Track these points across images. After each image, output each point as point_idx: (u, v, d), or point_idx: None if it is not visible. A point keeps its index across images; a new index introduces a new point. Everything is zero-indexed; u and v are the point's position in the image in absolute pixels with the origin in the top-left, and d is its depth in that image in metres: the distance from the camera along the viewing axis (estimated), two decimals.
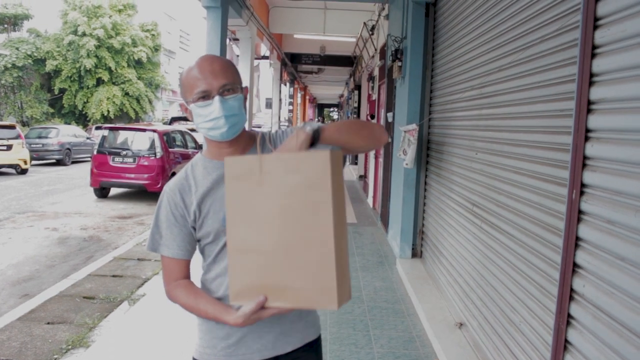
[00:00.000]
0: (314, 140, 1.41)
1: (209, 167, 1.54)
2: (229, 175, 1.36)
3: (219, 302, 1.49)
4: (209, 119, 1.45)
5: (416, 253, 5.60)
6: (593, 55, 1.88)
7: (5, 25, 28.72)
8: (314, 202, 1.29)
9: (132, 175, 10.38)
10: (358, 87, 15.79)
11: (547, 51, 2.48)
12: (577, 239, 1.96)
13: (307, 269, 1.30)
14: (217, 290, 1.55)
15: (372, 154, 9.92)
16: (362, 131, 1.54)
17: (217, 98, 1.42)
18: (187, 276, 1.58)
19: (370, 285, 4.95)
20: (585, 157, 1.91)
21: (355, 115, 16.56)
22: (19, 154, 14.33)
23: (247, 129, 1.59)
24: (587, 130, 1.90)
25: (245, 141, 1.57)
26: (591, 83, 1.88)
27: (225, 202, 1.36)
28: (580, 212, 1.94)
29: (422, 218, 5.53)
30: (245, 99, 1.54)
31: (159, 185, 10.26)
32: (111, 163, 10.42)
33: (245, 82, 8.69)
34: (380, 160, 8.35)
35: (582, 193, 1.94)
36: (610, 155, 1.78)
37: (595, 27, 1.87)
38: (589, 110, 1.89)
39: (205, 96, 1.43)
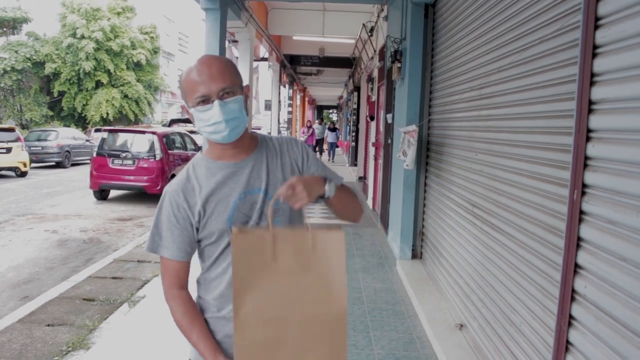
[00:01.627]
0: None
1: (212, 168, 1.54)
2: (237, 248, 1.34)
3: (211, 340, 1.51)
4: (209, 124, 1.44)
5: (416, 254, 5.60)
6: (594, 55, 1.87)
7: (4, 29, 28.70)
8: (329, 279, 1.33)
9: (132, 178, 10.37)
10: (357, 89, 15.80)
11: (547, 52, 2.48)
12: (579, 239, 1.95)
13: (319, 345, 1.33)
14: (216, 288, 1.55)
15: (371, 155, 9.92)
16: (353, 204, 1.65)
17: (216, 102, 1.42)
18: (186, 280, 1.58)
19: (370, 287, 4.94)
20: (586, 158, 1.91)
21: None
22: (19, 156, 14.31)
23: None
24: (589, 131, 1.90)
25: (248, 141, 1.58)
26: (592, 83, 1.88)
27: (232, 274, 1.35)
28: (581, 212, 1.94)
29: (422, 219, 5.53)
30: (246, 98, 1.54)
31: (158, 187, 10.25)
32: (111, 165, 10.41)
33: (245, 83, 8.71)
34: (380, 161, 8.34)
35: (583, 193, 1.93)
36: (612, 155, 1.78)
37: (596, 27, 1.87)
38: (590, 111, 1.89)
39: (205, 100, 1.43)
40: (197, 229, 1.53)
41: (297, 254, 1.34)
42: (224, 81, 1.44)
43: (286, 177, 1.55)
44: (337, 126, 25.19)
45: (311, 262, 1.33)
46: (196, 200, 1.51)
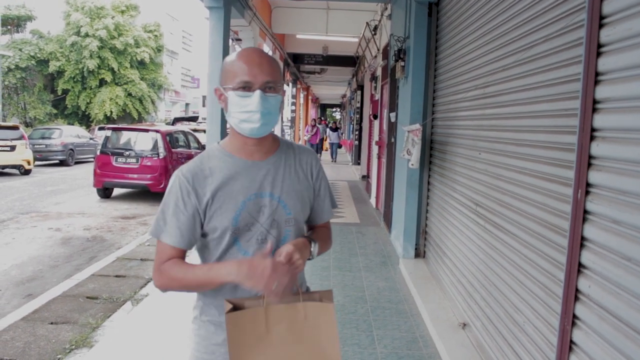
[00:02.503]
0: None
1: (227, 162, 1.52)
2: (233, 327, 1.37)
3: (214, 263, 1.50)
4: (244, 110, 1.43)
5: (419, 253, 5.59)
6: (598, 54, 1.86)
7: (9, 27, 28.82)
8: (322, 348, 1.38)
9: (135, 176, 10.39)
10: (361, 87, 15.79)
11: (551, 50, 2.47)
12: (583, 238, 1.95)
13: None
14: (218, 291, 1.50)
15: (375, 154, 9.91)
16: (328, 247, 1.71)
17: (258, 92, 1.42)
18: None
19: (373, 286, 4.94)
20: (590, 157, 1.90)
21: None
22: (23, 154, 14.36)
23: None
24: (593, 130, 1.89)
25: (270, 143, 1.57)
26: (596, 82, 1.87)
27: (228, 350, 1.37)
28: (585, 211, 1.93)
29: (425, 218, 5.52)
30: (282, 102, 1.53)
31: (162, 186, 10.26)
32: (114, 163, 10.43)
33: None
34: (383, 160, 8.33)
35: (587, 193, 1.92)
36: (616, 154, 1.77)
37: (601, 26, 1.86)
38: (594, 110, 1.88)
39: (247, 87, 1.42)
40: (202, 221, 1.49)
41: (290, 325, 1.38)
42: (272, 75, 1.44)
43: (300, 188, 1.57)
44: (338, 125, 25.09)
45: (304, 332, 1.38)
46: (205, 191, 1.47)
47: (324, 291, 1.47)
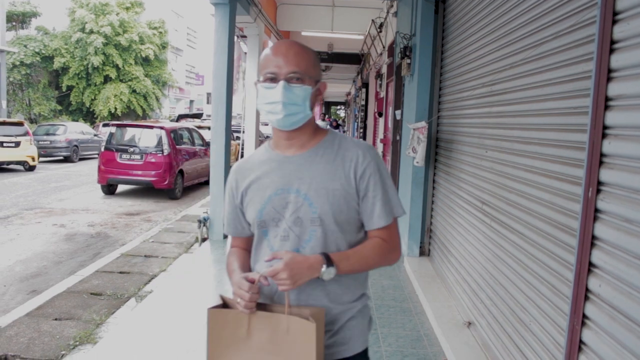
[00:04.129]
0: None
1: (266, 156, 1.56)
2: (213, 323, 1.44)
3: (241, 268, 1.53)
4: (268, 102, 1.43)
5: (424, 251, 5.57)
6: (612, 51, 1.83)
7: (14, 23, 28.83)
8: None
9: (140, 172, 10.40)
10: (366, 85, 15.75)
11: (560, 47, 2.44)
12: (593, 237, 1.92)
13: None
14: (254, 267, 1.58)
15: (379, 151, 9.88)
16: (376, 264, 1.51)
17: (281, 83, 1.41)
18: (247, 246, 1.64)
19: (377, 284, 4.92)
20: (602, 154, 1.87)
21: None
22: (27, 150, 14.40)
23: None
24: (605, 127, 1.86)
25: (308, 137, 1.52)
26: (609, 79, 1.84)
27: (207, 346, 1.43)
28: (596, 210, 1.90)
29: (430, 216, 5.49)
30: (318, 94, 1.50)
31: (166, 182, 10.28)
32: (118, 160, 10.44)
33: (252, 79, 8.58)
34: (388, 158, 8.31)
35: (598, 191, 1.90)
36: (629, 152, 1.74)
37: (614, 22, 1.83)
38: (606, 107, 1.86)
39: (273, 79, 1.42)
40: (243, 213, 1.58)
41: (271, 335, 1.38)
42: (298, 66, 1.42)
43: (333, 187, 1.45)
44: (340, 123, 24.90)
45: (283, 345, 1.37)
46: (242, 184, 1.55)
47: (316, 309, 1.39)
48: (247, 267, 1.56)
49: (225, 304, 1.46)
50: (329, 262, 1.39)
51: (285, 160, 1.51)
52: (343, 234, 1.47)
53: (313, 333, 1.32)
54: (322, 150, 1.50)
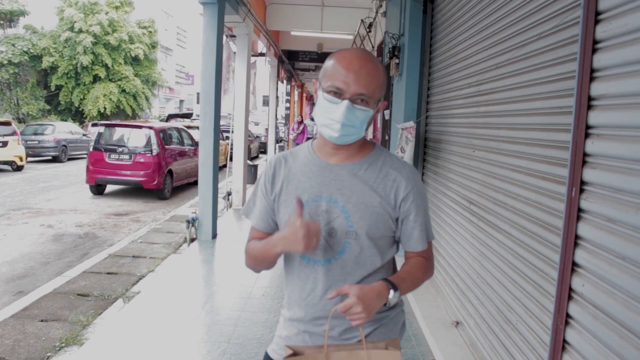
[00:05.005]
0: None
1: (308, 158, 1.51)
2: None
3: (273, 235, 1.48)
4: (328, 116, 1.38)
5: None
6: (594, 51, 1.84)
7: (1, 22, 28.53)
8: None
9: (128, 172, 10.32)
10: None
11: (545, 48, 2.46)
12: (577, 237, 1.93)
13: None
14: (287, 286, 1.57)
15: None
16: (422, 282, 1.58)
17: (346, 102, 1.34)
18: None
19: None
20: (585, 154, 1.88)
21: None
22: (15, 150, 14.25)
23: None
24: (587, 127, 1.87)
25: (354, 150, 1.49)
26: (592, 79, 1.85)
27: None
28: (579, 210, 1.91)
29: None
30: (377, 112, 1.45)
31: (155, 183, 10.22)
32: (107, 160, 10.36)
33: (242, 80, 8.47)
34: None
35: (581, 191, 1.90)
36: (611, 152, 1.75)
37: (597, 22, 1.83)
38: (589, 107, 1.86)
39: (338, 94, 1.36)
40: (275, 210, 1.53)
41: None
42: (367, 88, 1.35)
43: (372, 202, 1.44)
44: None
45: None
46: (278, 181, 1.51)
47: (391, 340, 1.38)
48: None
49: (295, 353, 1.37)
50: (394, 286, 1.38)
51: (327, 167, 1.47)
52: (377, 249, 1.47)
53: None
54: (367, 165, 1.48)
